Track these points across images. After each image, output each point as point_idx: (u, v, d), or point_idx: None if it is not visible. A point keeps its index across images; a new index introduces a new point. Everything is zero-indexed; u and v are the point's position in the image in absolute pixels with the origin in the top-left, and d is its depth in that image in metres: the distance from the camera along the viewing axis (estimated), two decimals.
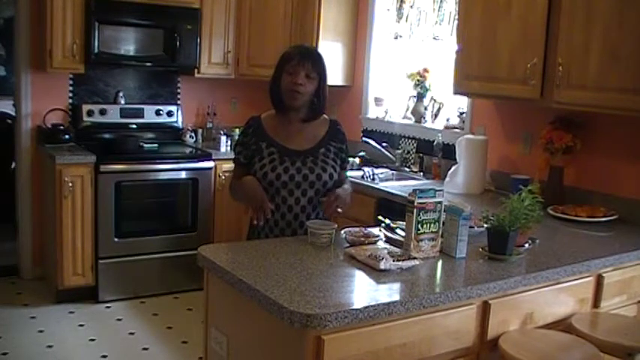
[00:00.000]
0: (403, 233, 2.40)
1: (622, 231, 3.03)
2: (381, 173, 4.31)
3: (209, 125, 5.31)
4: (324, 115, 2.76)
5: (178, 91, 5.30)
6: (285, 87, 2.60)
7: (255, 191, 2.58)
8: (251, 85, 5.34)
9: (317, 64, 2.62)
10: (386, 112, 4.87)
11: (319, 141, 2.68)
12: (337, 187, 2.68)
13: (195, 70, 4.98)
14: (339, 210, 2.60)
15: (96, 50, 4.49)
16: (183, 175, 4.70)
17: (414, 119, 4.60)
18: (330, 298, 1.91)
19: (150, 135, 5.03)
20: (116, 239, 4.47)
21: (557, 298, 2.43)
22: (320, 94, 2.65)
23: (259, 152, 2.63)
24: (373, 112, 4.96)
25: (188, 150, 4.97)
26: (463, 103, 4.21)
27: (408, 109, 4.71)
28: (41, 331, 4.01)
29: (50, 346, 3.83)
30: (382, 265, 2.14)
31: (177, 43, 4.75)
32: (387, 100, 4.88)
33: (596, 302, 2.61)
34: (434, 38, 4.51)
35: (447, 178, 3.87)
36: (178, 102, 5.29)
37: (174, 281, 4.71)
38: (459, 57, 3.66)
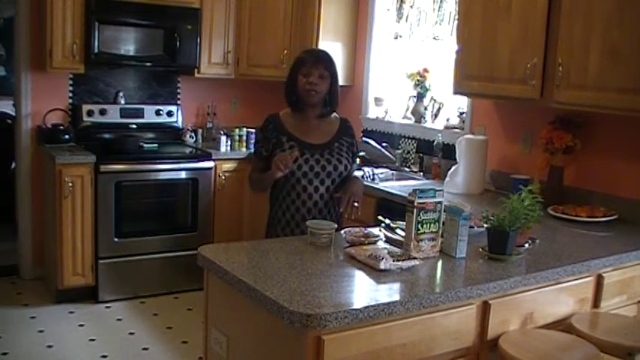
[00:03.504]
0: (403, 233, 2.40)
1: (622, 231, 3.03)
2: (381, 173, 4.31)
3: (209, 125, 5.31)
4: (335, 114, 2.96)
5: (178, 91, 5.30)
6: (302, 87, 2.81)
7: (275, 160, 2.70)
8: (251, 85, 5.35)
9: (329, 65, 2.84)
10: (386, 112, 4.87)
11: (333, 136, 2.90)
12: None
13: (195, 70, 4.98)
14: (356, 204, 2.80)
15: (96, 50, 4.49)
16: (183, 175, 4.70)
17: (414, 119, 4.60)
18: (330, 298, 1.91)
19: (150, 135, 5.03)
20: (116, 239, 4.47)
21: (557, 298, 2.43)
22: (332, 92, 2.87)
23: (280, 145, 2.82)
24: (373, 112, 4.96)
25: (188, 150, 4.97)
26: (463, 103, 4.21)
27: (408, 109, 4.71)
28: (41, 331, 4.01)
29: (50, 346, 3.83)
30: (382, 265, 2.14)
31: (177, 43, 4.75)
32: (387, 100, 4.88)
33: (596, 302, 2.61)
34: (434, 38, 4.51)
35: (447, 178, 3.87)
36: (178, 102, 5.28)
37: (174, 281, 4.71)
38: (459, 57, 3.66)
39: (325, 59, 2.85)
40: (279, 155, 2.71)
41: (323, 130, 2.89)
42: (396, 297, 1.98)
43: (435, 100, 4.55)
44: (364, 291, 2.07)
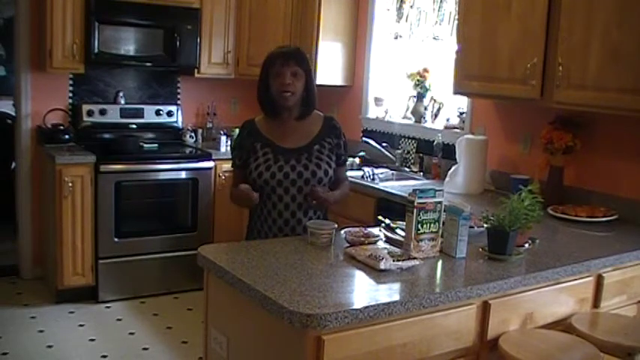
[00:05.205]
0: (403, 233, 2.40)
1: (622, 231, 3.03)
2: (381, 173, 4.31)
3: (209, 125, 5.31)
4: (319, 112, 2.77)
5: (178, 91, 5.30)
6: (275, 90, 2.62)
7: (239, 194, 2.60)
8: (251, 85, 5.27)
9: (300, 61, 2.63)
10: (386, 112, 4.87)
11: (313, 138, 2.69)
12: (336, 188, 2.72)
13: (195, 70, 4.98)
14: (314, 202, 2.61)
15: (96, 50, 4.49)
16: (183, 175, 4.70)
17: (414, 119, 4.60)
18: (330, 298, 1.91)
19: (150, 135, 5.03)
20: (116, 239, 4.47)
21: (557, 298, 2.43)
22: (309, 89, 2.67)
23: (254, 152, 2.65)
24: (373, 112, 4.96)
25: (188, 150, 4.98)
26: (463, 103, 4.21)
27: (408, 109, 4.71)
28: (41, 331, 4.01)
29: (50, 346, 3.83)
30: (382, 265, 2.14)
31: (177, 43, 4.75)
32: (387, 100, 4.88)
33: (596, 302, 2.60)
34: (434, 38, 4.51)
35: (447, 178, 3.87)
36: (178, 102, 5.29)
37: (174, 281, 4.71)
38: (459, 57, 3.66)
39: (295, 55, 2.64)
40: (244, 195, 2.56)
41: (302, 132, 2.67)
42: (396, 297, 1.98)
43: (435, 100, 4.55)
44: (364, 291, 2.07)
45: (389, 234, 2.55)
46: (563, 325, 2.42)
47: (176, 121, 5.18)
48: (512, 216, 2.34)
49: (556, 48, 3.11)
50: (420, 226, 2.31)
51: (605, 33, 2.90)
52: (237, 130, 4.94)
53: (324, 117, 2.77)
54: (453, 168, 3.87)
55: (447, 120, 4.38)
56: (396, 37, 4.84)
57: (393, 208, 3.54)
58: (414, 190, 2.31)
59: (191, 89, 5.32)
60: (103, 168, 4.37)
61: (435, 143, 4.27)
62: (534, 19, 3.20)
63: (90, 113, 4.82)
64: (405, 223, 2.36)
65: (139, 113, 5.02)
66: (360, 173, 4.23)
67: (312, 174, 2.62)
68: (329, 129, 2.73)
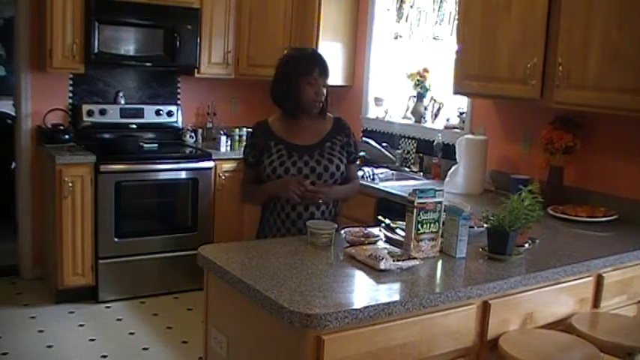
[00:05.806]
0: (403, 233, 2.40)
1: (622, 231, 3.03)
2: (381, 173, 4.31)
3: (209, 125, 5.31)
4: (328, 114, 2.85)
5: (178, 91, 5.30)
6: (308, 97, 2.68)
7: (282, 180, 2.64)
8: (251, 85, 5.34)
9: (329, 71, 2.74)
10: (386, 112, 4.87)
11: (324, 136, 2.77)
12: (346, 183, 2.78)
13: (195, 70, 4.98)
14: (320, 200, 2.68)
15: (96, 50, 4.49)
16: (183, 175, 4.70)
17: (414, 119, 4.60)
18: (330, 298, 1.91)
19: (150, 135, 5.03)
20: (116, 239, 4.47)
21: (557, 298, 2.43)
22: (326, 95, 2.77)
23: (268, 150, 2.71)
24: (373, 112, 4.96)
25: (188, 150, 4.98)
26: (463, 103, 4.21)
27: (408, 109, 4.71)
28: (41, 331, 4.01)
29: (50, 346, 3.83)
30: (382, 265, 2.14)
31: (177, 43, 4.75)
32: (387, 100, 4.88)
33: (596, 302, 2.61)
34: (434, 38, 4.51)
35: (447, 178, 3.87)
36: (178, 102, 5.29)
37: (174, 281, 4.71)
38: (459, 57, 3.66)
39: (328, 68, 2.73)
40: (295, 181, 2.59)
41: (314, 131, 2.76)
42: (396, 297, 1.98)
43: (435, 100, 4.55)
44: (364, 291, 2.07)
45: (389, 234, 2.56)
46: (563, 325, 2.42)
47: (176, 121, 5.19)
48: (512, 216, 2.34)
49: (556, 48, 3.11)
50: (420, 226, 2.31)
51: (605, 33, 2.90)
52: (237, 130, 5.05)
53: (333, 117, 2.86)
54: (453, 168, 3.87)
55: (447, 120, 4.38)
56: (396, 37, 4.84)
57: (393, 208, 3.54)
58: (414, 190, 2.32)
59: (191, 89, 5.32)
60: (103, 168, 4.37)
61: (435, 143, 4.27)
62: (534, 19, 3.20)
63: (90, 113, 4.82)
64: (405, 223, 2.36)
65: (139, 113, 5.02)
66: (360, 173, 4.22)
67: (324, 168, 2.68)
68: (339, 128, 2.81)
